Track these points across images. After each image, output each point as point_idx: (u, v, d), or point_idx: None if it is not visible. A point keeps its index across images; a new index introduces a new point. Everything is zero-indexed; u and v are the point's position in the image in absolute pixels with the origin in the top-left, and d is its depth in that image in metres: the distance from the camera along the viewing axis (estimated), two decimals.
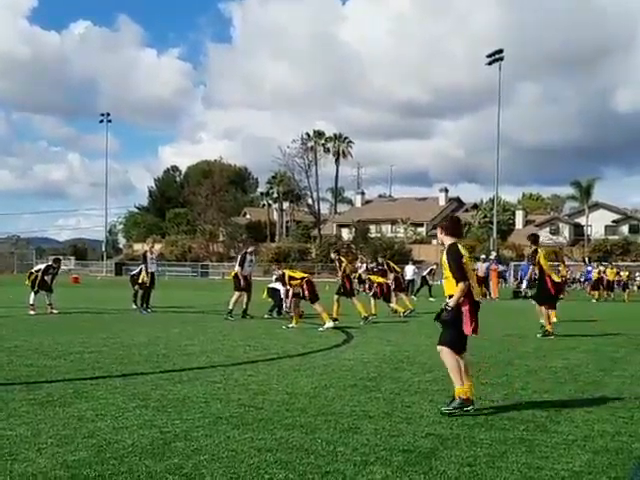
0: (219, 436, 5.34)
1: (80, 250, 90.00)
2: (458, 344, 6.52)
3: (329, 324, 14.22)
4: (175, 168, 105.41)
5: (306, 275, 15.42)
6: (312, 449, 5.03)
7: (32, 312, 17.44)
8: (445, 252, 6.66)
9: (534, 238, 14.44)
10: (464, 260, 6.50)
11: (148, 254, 19.01)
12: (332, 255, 17.28)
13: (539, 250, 13.96)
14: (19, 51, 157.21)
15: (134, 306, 19.47)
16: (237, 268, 17.14)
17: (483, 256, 32.65)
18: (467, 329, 6.43)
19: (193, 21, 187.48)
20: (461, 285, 6.36)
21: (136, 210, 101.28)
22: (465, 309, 6.42)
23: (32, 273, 18.70)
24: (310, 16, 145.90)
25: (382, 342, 12.09)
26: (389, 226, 77.41)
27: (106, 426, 5.60)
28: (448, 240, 6.71)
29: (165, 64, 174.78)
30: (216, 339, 12.18)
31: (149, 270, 18.55)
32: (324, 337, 12.84)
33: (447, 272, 6.55)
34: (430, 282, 30.60)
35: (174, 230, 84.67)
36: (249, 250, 17.91)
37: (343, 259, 16.44)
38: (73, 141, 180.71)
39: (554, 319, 14.56)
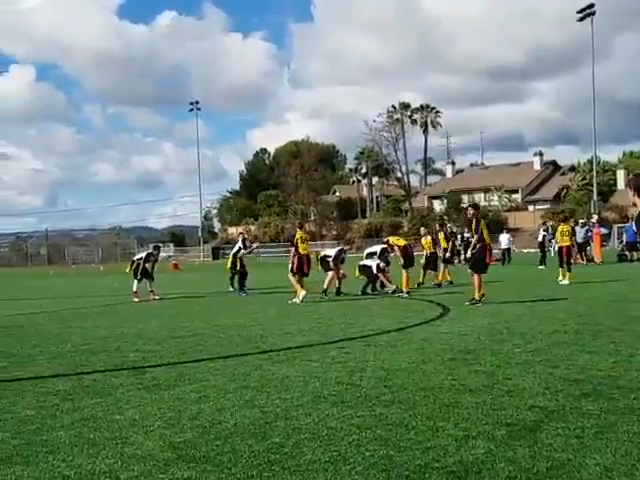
0: (318, 414, 5.37)
1: (178, 237, 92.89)
2: None
3: (404, 293, 16.17)
4: (264, 151, 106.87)
5: (406, 242, 17.62)
6: (412, 425, 4.99)
7: (136, 299, 18.11)
8: (636, 217, 5.76)
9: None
10: None
11: (247, 242, 20.44)
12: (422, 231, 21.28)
13: None
14: (111, 46, 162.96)
15: (231, 289, 19.95)
16: (332, 263, 17.17)
17: (582, 220, 31.44)
18: None
19: (274, 2, 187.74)
20: None
21: (229, 194, 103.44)
22: None
23: (134, 262, 19.38)
24: None
25: (479, 313, 11.87)
26: (482, 195, 75.72)
27: (209, 407, 5.74)
28: None
29: (250, 48, 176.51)
30: (312, 318, 12.28)
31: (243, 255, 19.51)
32: (420, 312, 12.74)
33: None
34: (548, 248, 29.22)
35: (266, 212, 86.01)
36: (345, 248, 18.58)
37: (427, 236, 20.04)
38: (166, 131, 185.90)
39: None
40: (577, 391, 5.81)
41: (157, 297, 18.55)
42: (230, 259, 19.91)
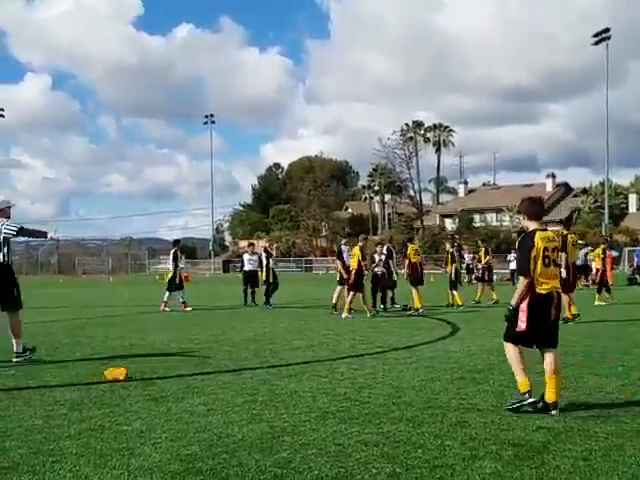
0: (326, 430, 5.37)
1: (189, 249, 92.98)
2: (520, 339, 6.05)
3: (414, 312, 16.11)
4: (277, 165, 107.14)
5: (417, 259, 17.31)
6: (419, 443, 4.98)
7: (188, 308, 18.51)
8: (518, 242, 6.22)
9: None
10: (534, 253, 5.88)
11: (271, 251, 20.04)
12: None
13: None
14: (127, 57, 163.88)
15: (243, 301, 20.11)
16: (339, 263, 17.21)
17: (580, 241, 31.18)
18: (520, 326, 5.94)
19: (292, 18, 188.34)
20: (521, 280, 5.95)
21: (241, 208, 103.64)
22: (523, 305, 5.92)
23: (174, 272, 19.30)
24: (408, 5, 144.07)
25: (489, 333, 11.82)
26: (494, 215, 75.61)
27: (217, 421, 5.75)
28: (531, 225, 6.14)
29: (266, 62, 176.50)
30: (321, 333, 12.28)
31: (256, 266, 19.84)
32: (429, 329, 12.71)
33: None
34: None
35: (278, 226, 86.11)
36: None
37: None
38: (180, 143, 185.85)
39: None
40: (585, 413, 5.79)
41: (167, 309, 18.59)
42: (264, 272, 19.56)
